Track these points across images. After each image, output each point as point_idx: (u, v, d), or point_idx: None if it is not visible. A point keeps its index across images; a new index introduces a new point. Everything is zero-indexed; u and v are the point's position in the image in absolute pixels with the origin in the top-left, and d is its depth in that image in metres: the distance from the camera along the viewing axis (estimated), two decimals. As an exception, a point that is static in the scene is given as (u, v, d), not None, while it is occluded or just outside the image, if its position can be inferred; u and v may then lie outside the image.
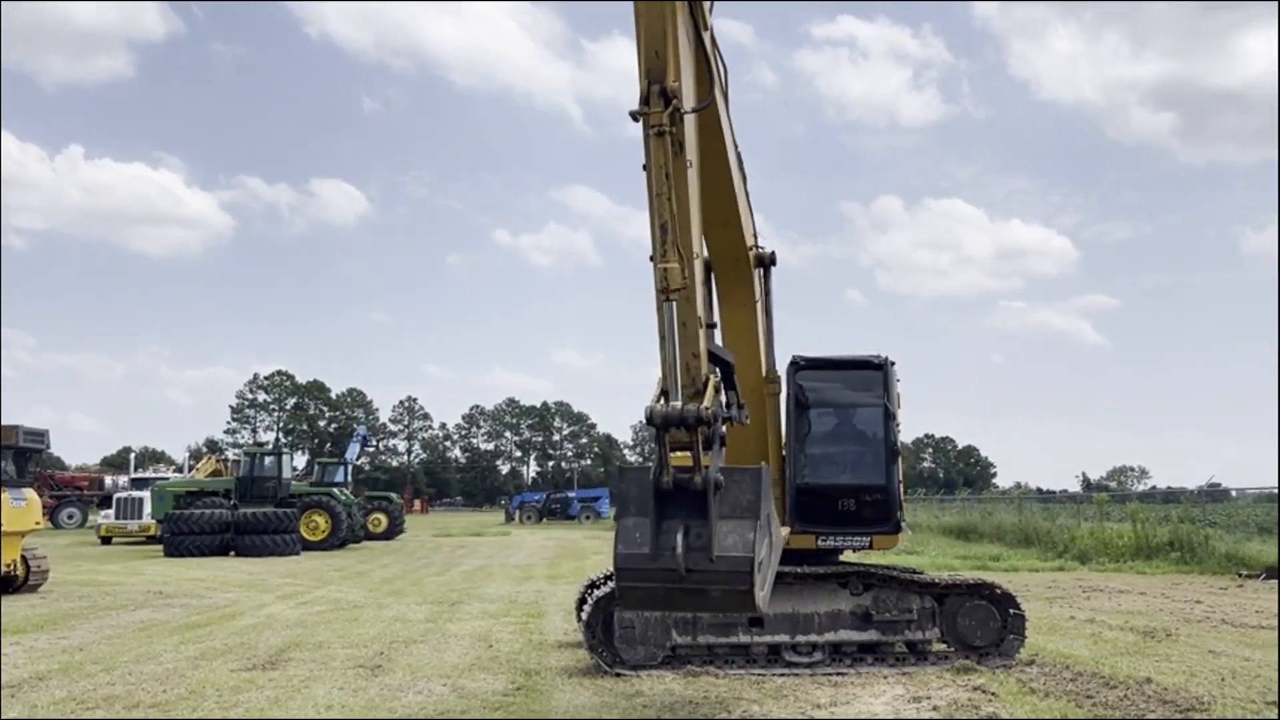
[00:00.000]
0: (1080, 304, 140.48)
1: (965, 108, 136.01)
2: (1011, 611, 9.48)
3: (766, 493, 6.49)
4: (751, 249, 9.40)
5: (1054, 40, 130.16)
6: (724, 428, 6.64)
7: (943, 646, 9.55)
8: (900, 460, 9.86)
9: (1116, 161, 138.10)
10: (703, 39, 6.95)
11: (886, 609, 9.34)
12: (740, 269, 9.38)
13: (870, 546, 9.45)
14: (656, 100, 6.30)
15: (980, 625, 9.43)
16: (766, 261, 9.74)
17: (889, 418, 9.56)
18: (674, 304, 6.27)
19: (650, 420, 6.31)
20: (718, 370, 6.85)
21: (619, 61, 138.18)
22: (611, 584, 9.37)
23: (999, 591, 9.53)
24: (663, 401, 6.30)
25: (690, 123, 6.52)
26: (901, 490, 10.03)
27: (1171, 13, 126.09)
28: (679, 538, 6.19)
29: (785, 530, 8.66)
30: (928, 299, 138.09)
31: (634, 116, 6.39)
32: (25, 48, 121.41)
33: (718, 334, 9.54)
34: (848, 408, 10.06)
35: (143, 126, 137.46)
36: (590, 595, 9.65)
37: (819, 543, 9.49)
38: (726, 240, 8.96)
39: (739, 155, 8.66)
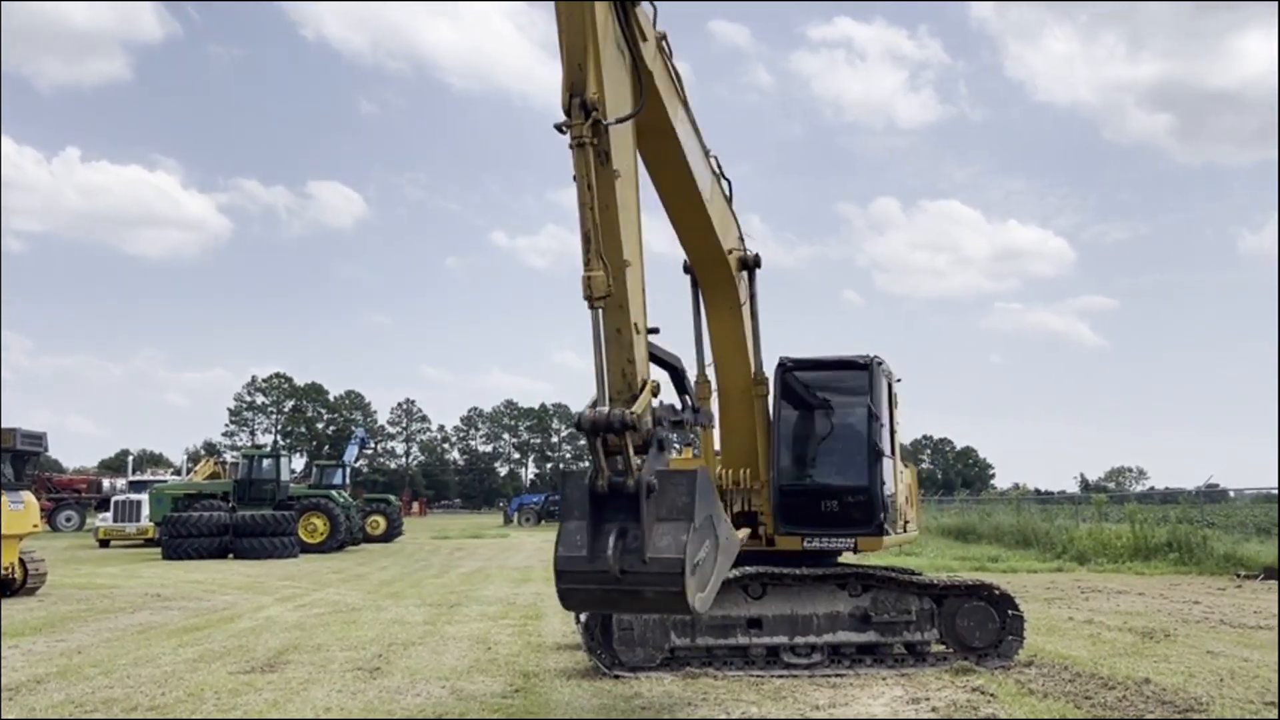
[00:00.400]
0: (1078, 305, 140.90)
1: (962, 109, 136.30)
2: (1010, 612, 9.49)
3: (706, 495, 6.65)
4: (733, 252, 9.39)
5: (1050, 41, 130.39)
6: (668, 431, 6.86)
7: (941, 648, 9.55)
8: (892, 461, 9.84)
9: (1113, 162, 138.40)
10: (639, 48, 7.09)
11: (885, 610, 9.35)
12: (719, 272, 9.39)
13: (855, 549, 9.41)
14: (577, 112, 6.45)
15: (979, 626, 9.44)
16: (750, 264, 9.73)
17: (872, 418, 9.51)
18: (599, 311, 6.47)
19: (579, 425, 6.52)
20: (652, 377, 6.95)
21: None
22: None
23: (997, 592, 9.53)
24: (594, 407, 6.45)
25: (621, 132, 6.68)
26: (910, 491, 10.08)
27: (1168, 13, 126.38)
28: (612, 540, 6.35)
29: (743, 533, 8.74)
30: (925, 300, 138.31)
31: (558, 129, 6.53)
32: (22, 50, 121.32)
33: (707, 337, 9.82)
34: (831, 409, 10.04)
35: (140, 129, 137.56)
36: None
37: (805, 544, 9.49)
38: (701, 245, 9.07)
39: (715, 160, 8.81)
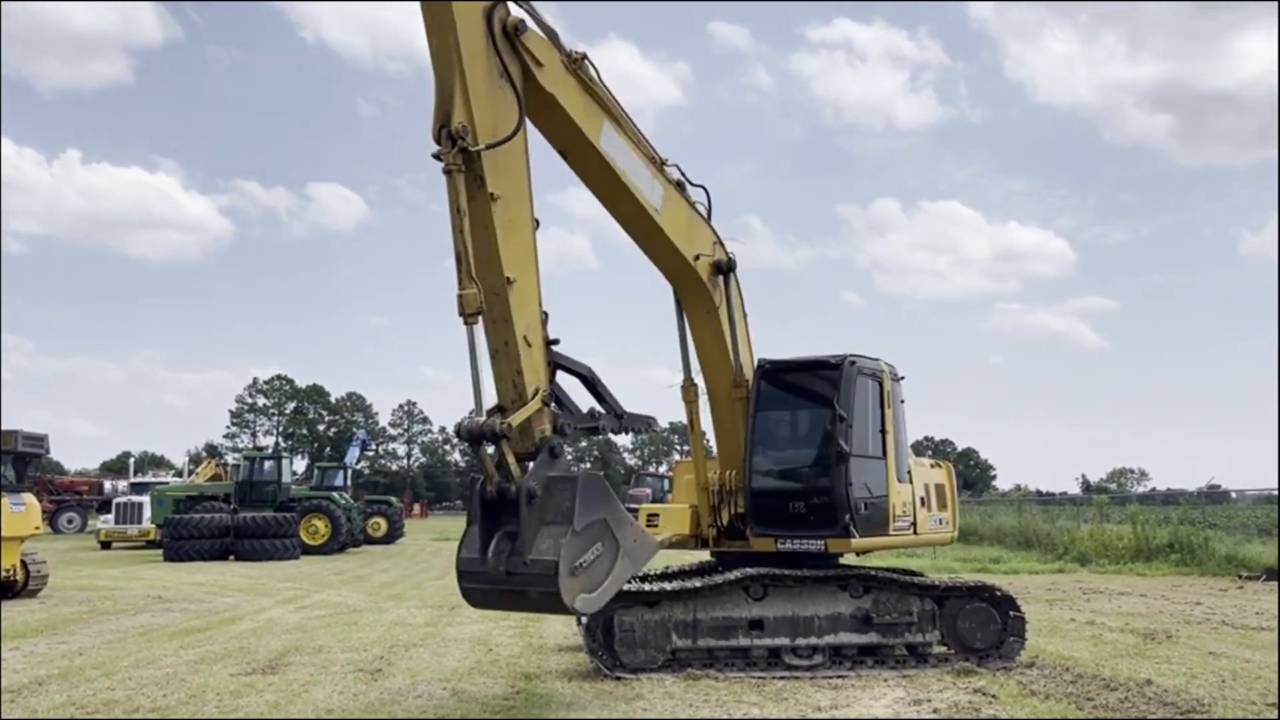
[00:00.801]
0: (1078, 305, 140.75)
1: (962, 110, 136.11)
2: (1012, 614, 9.48)
3: (592, 500, 7.06)
4: (700, 258, 9.45)
5: (1050, 42, 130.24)
6: (570, 438, 7.52)
7: (943, 649, 9.54)
8: (883, 462, 9.71)
9: (1114, 163, 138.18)
10: (534, 73, 7.55)
11: (886, 612, 9.34)
12: (688, 277, 9.51)
13: (825, 550, 9.38)
14: (445, 142, 6.94)
15: (980, 628, 9.44)
16: (724, 268, 9.72)
17: (838, 420, 9.41)
18: (474, 328, 6.98)
19: (458, 435, 7.04)
20: (546, 386, 7.46)
21: (616, 65, 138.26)
22: None
23: (999, 594, 9.53)
24: (471, 417, 6.89)
25: (499, 156, 7.12)
26: (934, 491, 9.98)
27: (1168, 14, 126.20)
28: (495, 543, 6.94)
29: (660, 536, 9.05)
30: (925, 301, 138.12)
31: (435, 157, 6.98)
32: (23, 53, 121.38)
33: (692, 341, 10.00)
34: (801, 410, 10.05)
35: (140, 131, 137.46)
36: None
37: (778, 546, 9.50)
38: (658, 253, 9.30)
39: (677, 169, 9.12)
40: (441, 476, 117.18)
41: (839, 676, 9.01)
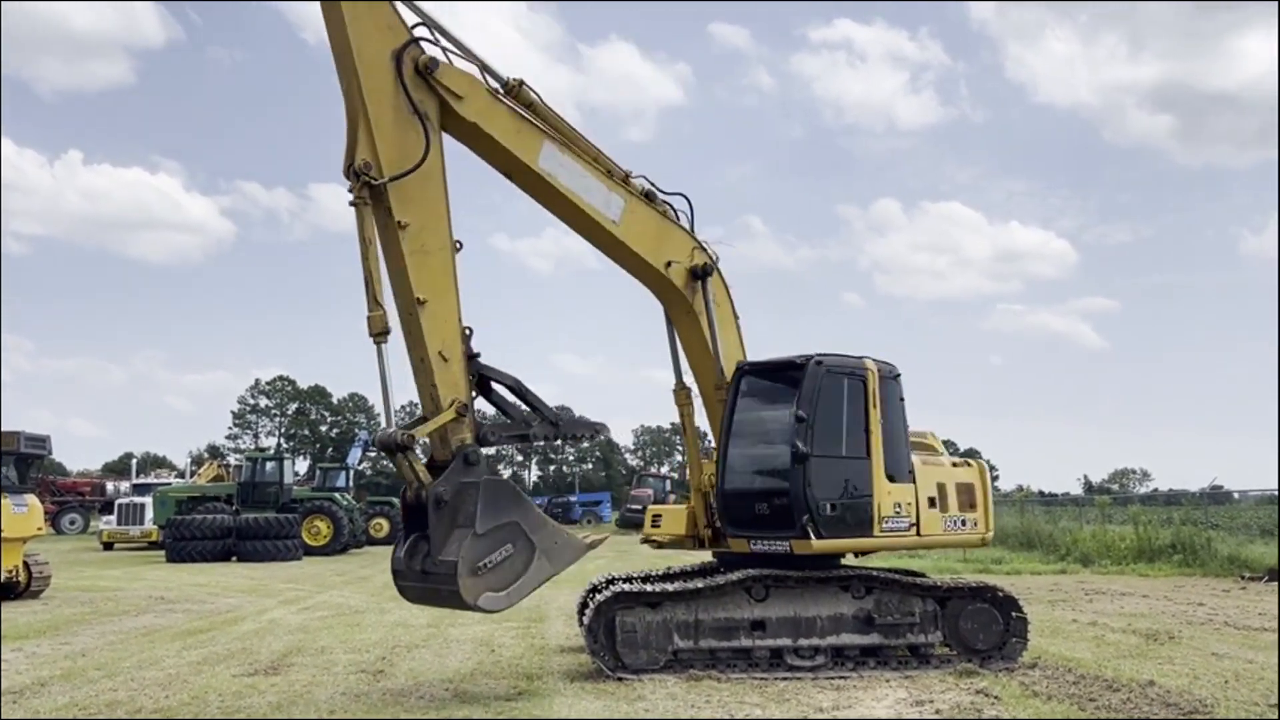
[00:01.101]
0: (1080, 306, 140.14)
1: (963, 110, 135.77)
2: (1014, 614, 9.47)
3: (498, 504, 7.84)
4: (672, 265, 9.68)
5: (1051, 42, 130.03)
6: (479, 446, 8.08)
7: (945, 650, 9.53)
8: (867, 462, 9.54)
9: (1114, 164, 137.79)
10: (453, 106, 8.23)
11: (889, 612, 9.34)
12: (659, 283, 9.80)
13: (791, 551, 9.40)
14: (350, 176, 7.73)
15: (983, 628, 9.43)
16: (699, 273, 9.83)
17: (797, 420, 9.37)
18: (380, 347, 7.86)
19: (370, 444, 8.02)
20: (461, 399, 8.13)
21: (617, 66, 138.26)
22: (613, 588, 9.45)
23: (1001, 594, 9.52)
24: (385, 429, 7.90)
25: (409, 186, 7.84)
26: (913, 493, 9.66)
27: (1169, 14, 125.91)
28: (408, 544, 7.81)
29: (592, 536, 9.35)
30: (926, 301, 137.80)
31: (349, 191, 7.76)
32: (24, 54, 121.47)
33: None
34: (769, 412, 9.99)
35: (141, 132, 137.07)
36: (592, 600, 9.65)
37: (750, 546, 9.54)
38: (623, 261, 9.63)
39: (644, 180, 9.51)
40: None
41: (841, 677, 9.01)
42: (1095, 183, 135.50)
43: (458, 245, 8.33)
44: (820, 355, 9.68)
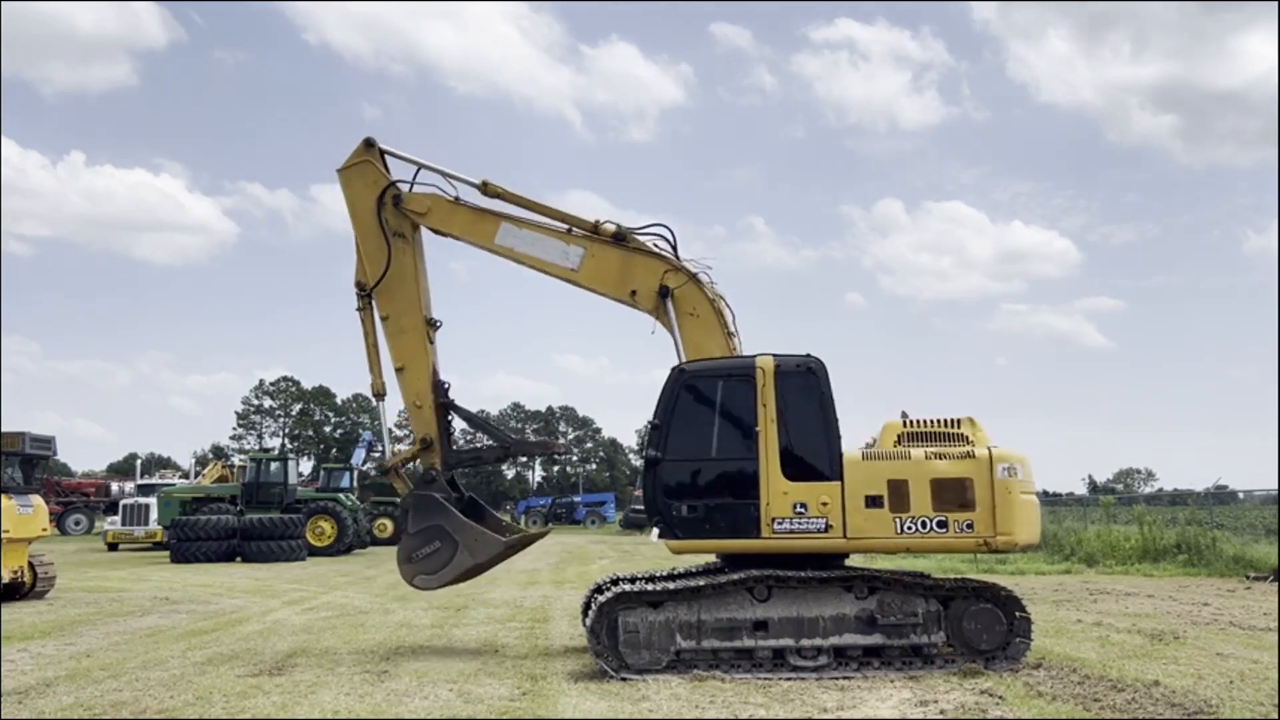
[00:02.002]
0: (1084, 306, 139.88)
1: (966, 110, 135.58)
2: (1017, 614, 9.45)
3: (426, 511, 10.80)
4: (635, 293, 10.79)
5: (1053, 42, 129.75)
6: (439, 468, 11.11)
7: (949, 650, 9.51)
8: (759, 462, 9.43)
9: (1118, 164, 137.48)
10: (417, 221, 11.23)
11: (891, 613, 9.32)
12: (638, 306, 10.87)
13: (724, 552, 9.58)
14: (357, 291, 11.28)
15: (986, 629, 9.40)
16: (663, 293, 10.67)
17: (652, 427, 9.69)
18: (380, 403, 11.66)
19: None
20: (426, 433, 11.29)
21: (618, 66, 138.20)
22: (615, 589, 9.47)
23: (1004, 594, 9.50)
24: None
25: (385, 289, 11.15)
26: (837, 492, 9.27)
27: (1172, 13, 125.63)
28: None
29: (522, 534, 11.46)
30: (930, 302, 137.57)
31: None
32: (27, 55, 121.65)
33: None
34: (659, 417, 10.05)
35: (144, 133, 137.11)
36: (595, 600, 9.65)
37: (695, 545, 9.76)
38: (598, 294, 10.99)
39: (612, 224, 10.89)
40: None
41: (844, 678, 9.00)
42: (1099, 183, 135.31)
43: (436, 323, 11.38)
44: (686, 363, 10.05)
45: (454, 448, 11.41)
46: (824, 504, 9.34)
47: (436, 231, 11.30)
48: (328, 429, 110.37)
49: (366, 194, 11.21)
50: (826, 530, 9.32)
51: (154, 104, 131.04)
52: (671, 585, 9.36)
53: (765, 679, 8.93)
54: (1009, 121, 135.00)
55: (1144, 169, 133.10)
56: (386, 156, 11.42)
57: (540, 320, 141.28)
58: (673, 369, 9.91)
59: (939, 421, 9.80)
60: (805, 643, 9.25)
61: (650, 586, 9.44)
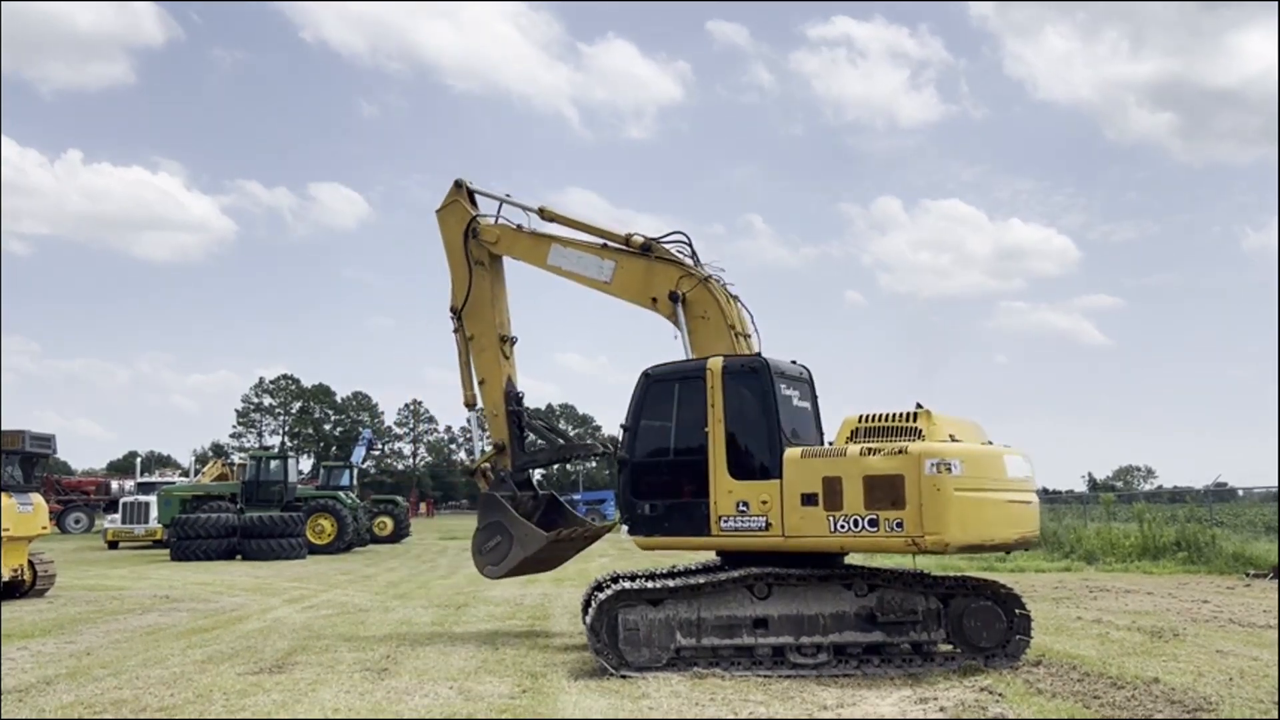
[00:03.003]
0: (1083, 304, 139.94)
1: (964, 107, 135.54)
2: (1017, 612, 9.45)
3: (487, 509, 11.92)
4: (656, 300, 11.33)
5: (1051, 39, 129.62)
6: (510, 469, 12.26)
7: (949, 647, 9.51)
8: (704, 460, 9.58)
9: (1116, 162, 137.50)
10: (489, 249, 12.58)
11: (891, 610, 9.31)
12: (657, 310, 11.38)
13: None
14: (452, 316, 12.69)
15: (986, 626, 9.40)
16: (675, 298, 11.11)
17: (622, 430, 10.11)
18: (470, 413, 12.89)
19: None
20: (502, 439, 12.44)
21: (616, 64, 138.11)
22: (615, 586, 9.48)
23: (1004, 591, 9.50)
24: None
25: (469, 311, 12.52)
26: (775, 490, 9.25)
27: (1170, 11, 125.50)
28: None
29: (563, 532, 11.95)
30: (929, 300, 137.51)
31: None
32: (25, 54, 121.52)
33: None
34: (656, 420, 10.29)
35: (141, 131, 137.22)
36: (595, 598, 9.66)
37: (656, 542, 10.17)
38: (625, 300, 11.64)
39: (640, 236, 11.55)
40: (447, 476, 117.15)
41: (844, 675, 9.01)
42: (1097, 180, 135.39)
43: (514, 339, 12.76)
44: (651, 367, 10.28)
45: (525, 451, 12.40)
46: (764, 502, 9.36)
47: (504, 254, 12.57)
48: (328, 427, 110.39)
49: (457, 229, 12.56)
50: (766, 529, 9.34)
51: (152, 102, 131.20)
52: (671, 583, 9.36)
53: (765, 676, 8.93)
54: (1008, 119, 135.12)
55: (1143, 167, 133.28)
56: (475, 194, 12.78)
57: (540, 318, 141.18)
58: (641, 373, 10.29)
59: (892, 416, 9.40)
60: (805, 640, 9.26)
61: (650, 584, 9.44)
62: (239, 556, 27.69)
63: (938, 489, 8.67)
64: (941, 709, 7.72)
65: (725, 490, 9.50)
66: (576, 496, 68.29)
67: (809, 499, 9.16)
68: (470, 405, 12.67)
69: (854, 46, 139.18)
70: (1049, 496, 41.38)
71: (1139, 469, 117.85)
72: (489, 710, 7.85)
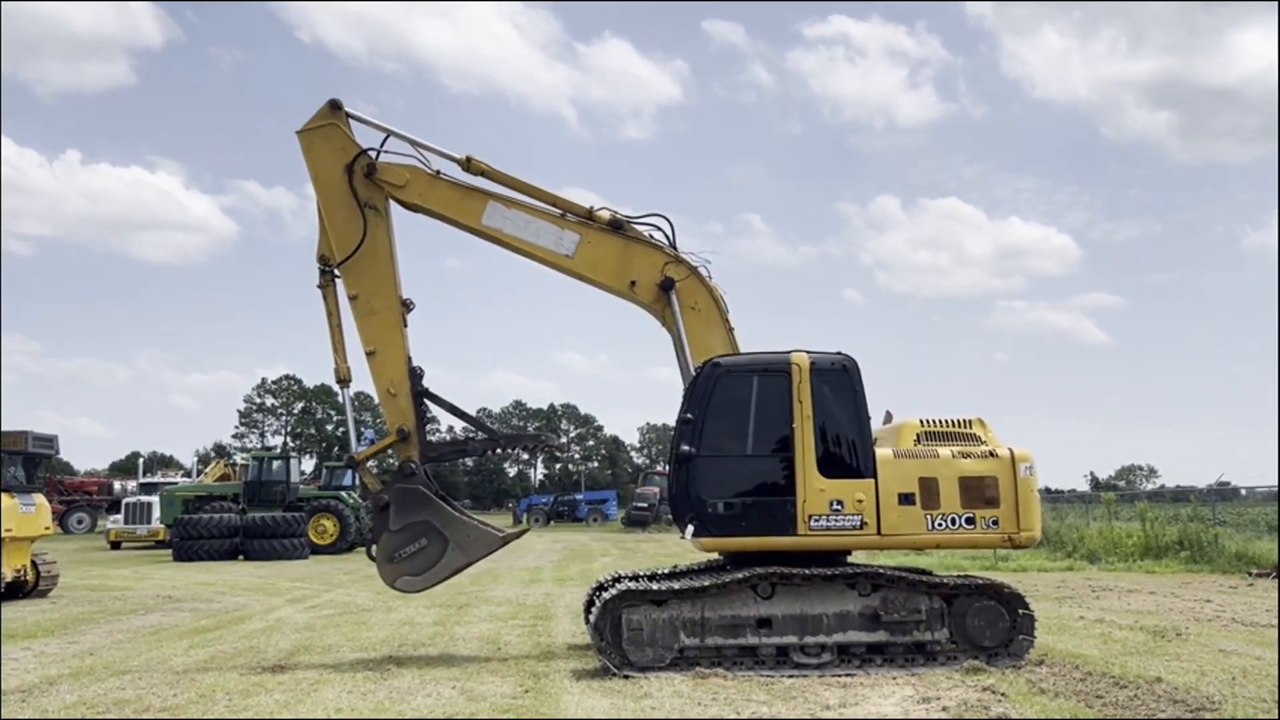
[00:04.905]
0: (1083, 302, 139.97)
1: (963, 106, 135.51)
2: (1020, 611, 9.45)
3: (411, 507, 10.11)
4: (635, 284, 10.53)
5: (1049, 37, 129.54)
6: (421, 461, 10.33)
7: (952, 647, 9.50)
8: (788, 458, 9.43)
9: (1114, 160, 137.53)
10: (391, 194, 10.46)
11: (895, 610, 9.32)
12: (630, 300, 10.66)
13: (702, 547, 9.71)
14: (319, 266, 10.54)
15: (989, 626, 9.40)
16: (665, 286, 10.47)
17: (683, 422, 9.57)
18: (343, 390, 10.88)
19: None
20: (402, 424, 10.39)
21: (613, 63, 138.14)
22: (619, 586, 9.48)
23: (1007, 591, 9.50)
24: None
25: (355, 265, 10.30)
26: (871, 490, 9.32)
27: (1169, 10, 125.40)
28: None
29: (511, 530, 10.86)
30: (928, 299, 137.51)
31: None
32: (23, 55, 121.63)
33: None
34: (688, 413, 9.91)
35: (139, 131, 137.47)
36: (598, 598, 9.65)
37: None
38: (592, 285, 10.66)
39: (608, 211, 10.52)
40: (450, 475, 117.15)
41: (848, 675, 9.01)
42: (1098, 179, 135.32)
43: (409, 304, 10.53)
44: (720, 357, 9.88)
45: (433, 441, 10.78)
46: (859, 501, 9.41)
47: (411, 207, 10.53)
48: (330, 427, 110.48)
49: (333, 160, 10.34)
50: (861, 527, 9.41)
51: (150, 102, 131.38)
52: (676, 584, 9.36)
53: (769, 676, 8.93)
54: (1006, 118, 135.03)
55: (1141, 165, 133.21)
56: (353, 121, 10.53)
57: (539, 317, 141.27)
58: (705, 362, 9.80)
59: (952, 422, 9.97)
60: (809, 640, 9.25)
61: (655, 584, 9.44)
62: (241, 557, 27.73)
63: (1030, 489, 9.58)
64: (944, 709, 7.72)
65: (816, 488, 9.37)
66: (579, 496, 68.40)
67: (906, 498, 9.43)
68: (344, 381, 10.67)
69: (851, 45, 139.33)
70: (1051, 496, 41.36)
71: (1141, 468, 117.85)
72: (491, 710, 7.85)
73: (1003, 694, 8.15)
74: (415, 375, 10.43)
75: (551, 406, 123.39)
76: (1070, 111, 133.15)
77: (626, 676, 8.93)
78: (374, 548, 10.17)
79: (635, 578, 10.00)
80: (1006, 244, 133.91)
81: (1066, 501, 36.67)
